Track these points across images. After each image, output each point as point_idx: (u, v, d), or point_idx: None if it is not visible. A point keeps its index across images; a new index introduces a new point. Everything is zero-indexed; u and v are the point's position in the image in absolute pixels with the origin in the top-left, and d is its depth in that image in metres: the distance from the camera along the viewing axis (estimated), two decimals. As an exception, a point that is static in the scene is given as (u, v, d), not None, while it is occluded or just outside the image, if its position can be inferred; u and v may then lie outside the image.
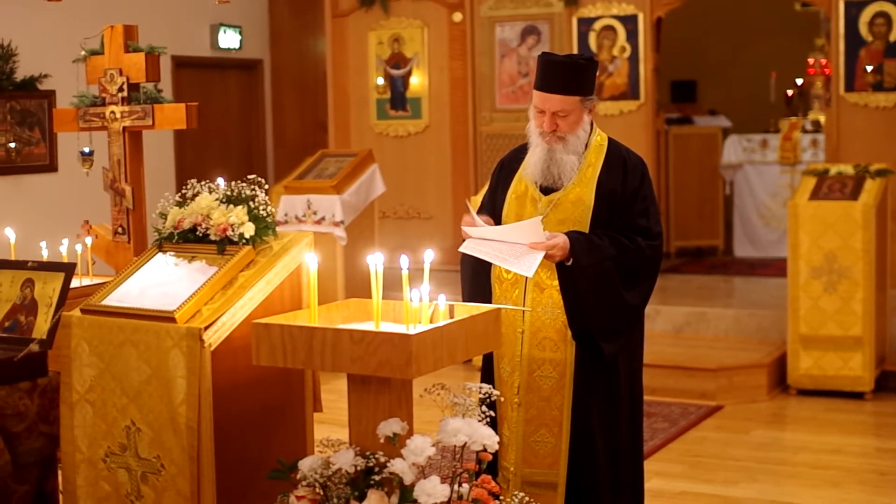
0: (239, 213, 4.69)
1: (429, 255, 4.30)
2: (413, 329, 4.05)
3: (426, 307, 4.25)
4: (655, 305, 10.10)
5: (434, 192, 12.78)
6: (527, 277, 4.94)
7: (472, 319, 4.32)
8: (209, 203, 4.76)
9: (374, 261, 4.17)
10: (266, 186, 4.86)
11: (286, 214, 10.76)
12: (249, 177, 4.88)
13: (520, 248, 4.77)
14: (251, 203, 4.75)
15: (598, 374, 4.99)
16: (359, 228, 10.79)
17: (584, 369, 4.99)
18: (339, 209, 10.58)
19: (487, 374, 5.20)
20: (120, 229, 6.62)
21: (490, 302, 5.02)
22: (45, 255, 6.08)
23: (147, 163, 6.61)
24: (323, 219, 10.62)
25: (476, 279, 5.14)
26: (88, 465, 4.63)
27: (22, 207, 11.49)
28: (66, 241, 6.11)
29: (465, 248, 4.89)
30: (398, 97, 12.89)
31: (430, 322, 4.24)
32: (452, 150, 12.69)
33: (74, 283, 5.69)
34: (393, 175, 12.26)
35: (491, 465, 4.87)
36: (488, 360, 5.20)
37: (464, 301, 5.02)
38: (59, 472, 4.95)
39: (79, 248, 6.20)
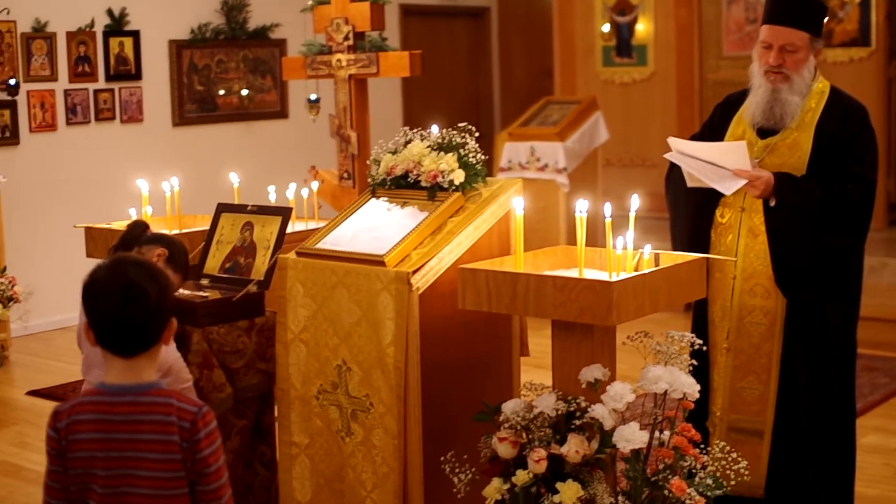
0: (449, 161, 4.77)
1: (635, 202, 4.31)
2: (614, 276, 4.08)
3: (631, 255, 4.27)
4: (881, 258, 9.84)
5: (659, 139, 12.51)
6: (741, 223, 4.95)
7: (675, 268, 4.31)
8: (420, 150, 4.85)
9: (580, 207, 4.19)
10: (476, 134, 4.91)
11: (510, 161, 10.82)
12: (460, 124, 4.95)
13: (723, 171, 4.75)
14: (461, 150, 4.82)
15: (809, 324, 4.93)
16: (582, 175, 10.78)
17: (795, 318, 4.94)
18: (561, 156, 10.59)
19: (700, 318, 5.20)
20: (345, 174, 6.80)
21: (708, 243, 5.03)
22: (272, 199, 6.19)
23: (374, 110, 6.75)
24: (546, 166, 10.65)
25: (697, 224, 5.12)
26: (302, 402, 4.79)
27: (253, 152, 11.84)
28: (293, 186, 6.21)
29: (671, 156, 4.90)
30: (623, 44, 12.80)
31: (636, 270, 4.26)
32: (678, 98, 12.54)
33: (300, 226, 5.86)
34: (617, 122, 12.20)
35: (701, 410, 4.90)
36: (701, 304, 5.19)
37: (678, 243, 5.04)
38: (275, 408, 5.14)
39: (305, 192, 6.33)
